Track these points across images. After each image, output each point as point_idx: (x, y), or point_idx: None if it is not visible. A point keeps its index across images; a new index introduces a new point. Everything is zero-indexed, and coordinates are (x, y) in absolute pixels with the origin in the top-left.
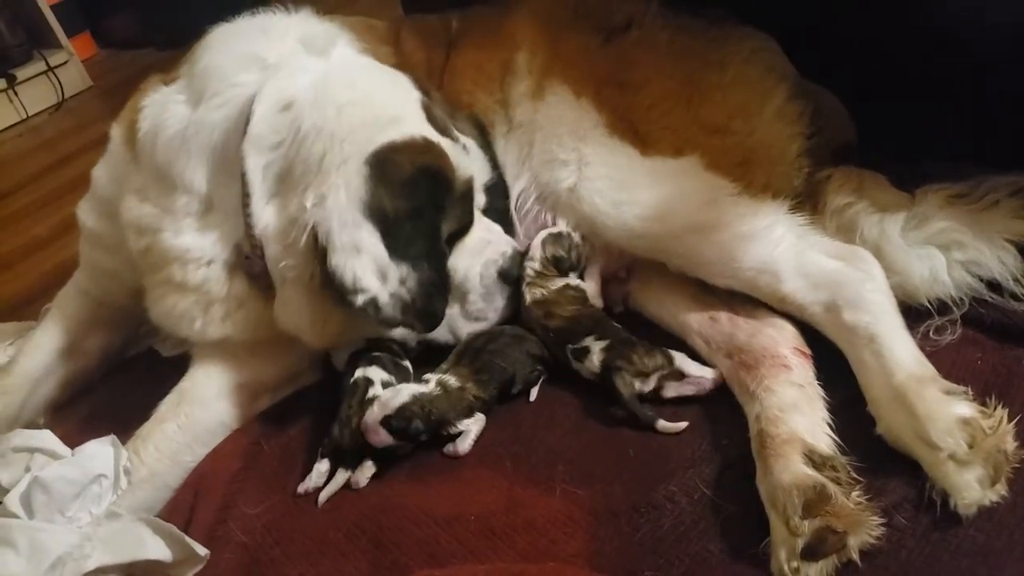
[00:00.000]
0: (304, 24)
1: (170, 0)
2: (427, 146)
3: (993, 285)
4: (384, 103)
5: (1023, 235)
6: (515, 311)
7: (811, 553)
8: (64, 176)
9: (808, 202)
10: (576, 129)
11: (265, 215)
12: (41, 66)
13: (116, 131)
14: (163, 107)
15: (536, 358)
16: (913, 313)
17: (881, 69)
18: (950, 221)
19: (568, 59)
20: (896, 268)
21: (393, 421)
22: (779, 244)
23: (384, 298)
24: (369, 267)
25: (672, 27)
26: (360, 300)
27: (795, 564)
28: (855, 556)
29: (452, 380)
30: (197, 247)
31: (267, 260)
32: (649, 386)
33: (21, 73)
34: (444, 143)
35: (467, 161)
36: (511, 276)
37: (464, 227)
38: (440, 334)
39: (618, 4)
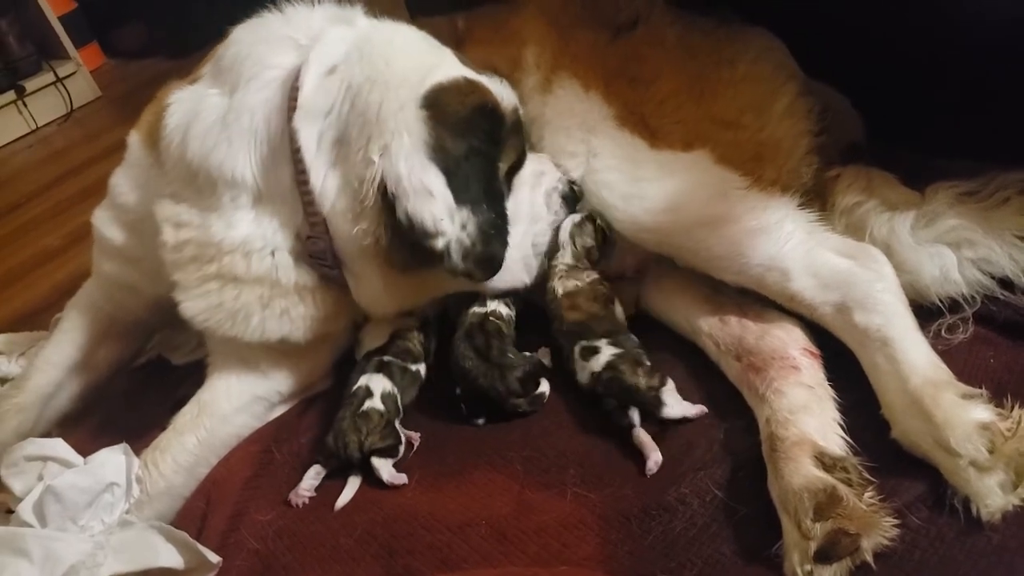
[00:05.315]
0: (325, 10)
1: (177, 10)
2: (472, 85)
3: (1005, 282)
4: (423, 52)
5: None
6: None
7: (824, 556)
8: (74, 186)
9: (817, 201)
10: (585, 121)
11: (328, 187)
12: (50, 77)
13: (135, 137)
14: (193, 100)
15: (522, 382)
16: (924, 312)
17: (891, 64)
18: (960, 219)
19: (577, 54)
20: (907, 267)
21: None
22: (788, 240)
23: (452, 243)
24: (444, 209)
25: (680, 24)
26: (440, 243)
27: (808, 567)
28: (869, 558)
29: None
30: (258, 236)
31: (333, 235)
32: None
33: (30, 84)
34: (483, 79)
35: (509, 92)
36: (572, 200)
37: (520, 159)
38: (515, 276)
39: (625, 1)
